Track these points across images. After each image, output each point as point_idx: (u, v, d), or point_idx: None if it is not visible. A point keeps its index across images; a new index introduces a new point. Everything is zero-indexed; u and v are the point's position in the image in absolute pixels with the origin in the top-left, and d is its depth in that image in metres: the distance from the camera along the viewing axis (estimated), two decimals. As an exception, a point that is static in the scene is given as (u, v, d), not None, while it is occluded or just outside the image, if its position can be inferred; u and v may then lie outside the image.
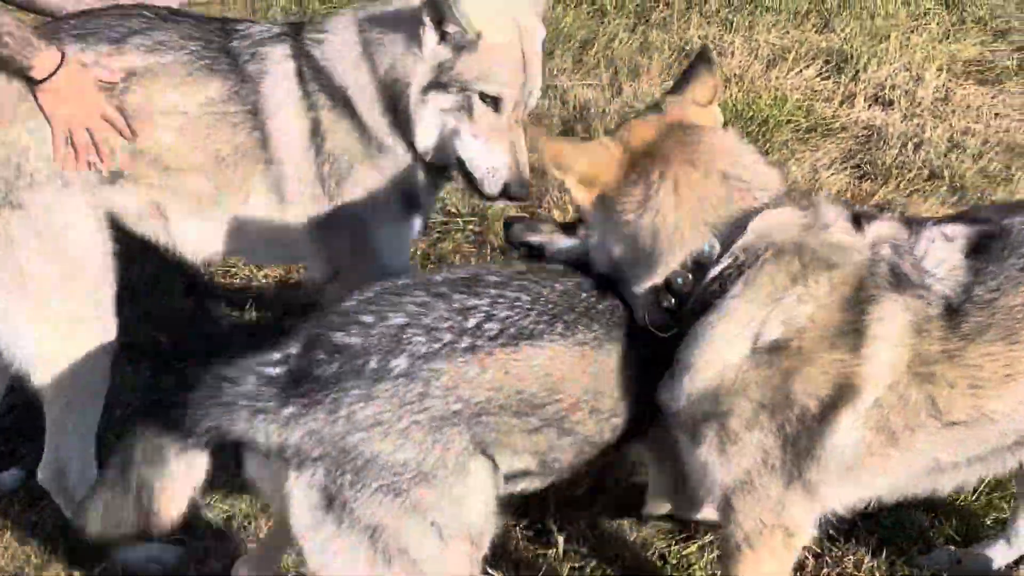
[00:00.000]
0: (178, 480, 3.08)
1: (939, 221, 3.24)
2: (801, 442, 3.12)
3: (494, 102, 3.99)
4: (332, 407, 3.01)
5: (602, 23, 7.93)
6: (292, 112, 4.07)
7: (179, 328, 5.17)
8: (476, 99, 3.98)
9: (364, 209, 4.09)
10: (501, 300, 3.19)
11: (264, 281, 5.47)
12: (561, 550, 4.05)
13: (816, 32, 7.89)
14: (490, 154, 4.04)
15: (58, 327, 3.86)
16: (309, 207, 4.11)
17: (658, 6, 8.17)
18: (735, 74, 7.17)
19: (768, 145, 6.44)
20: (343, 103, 4.06)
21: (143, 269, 5.23)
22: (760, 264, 3.07)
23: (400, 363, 3.05)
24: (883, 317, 3.06)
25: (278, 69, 4.07)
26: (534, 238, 3.73)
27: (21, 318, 3.83)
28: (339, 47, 4.10)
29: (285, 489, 3.04)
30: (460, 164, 4.10)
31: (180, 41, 4.04)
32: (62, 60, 3.81)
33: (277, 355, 3.10)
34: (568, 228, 3.72)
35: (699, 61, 3.44)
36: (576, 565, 4.01)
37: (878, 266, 3.11)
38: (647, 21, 7.99)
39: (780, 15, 8.07)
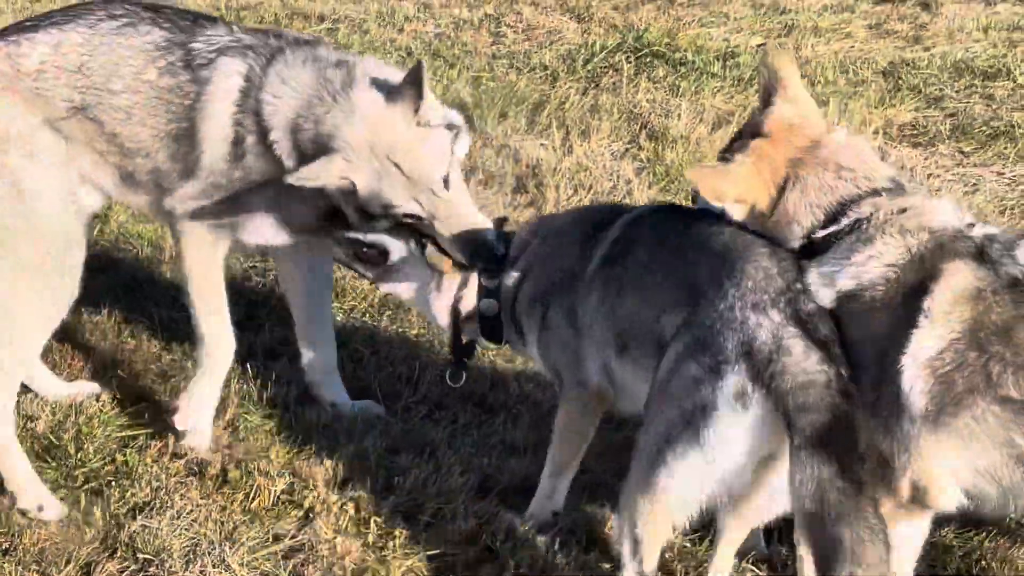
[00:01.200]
0: None
1: None
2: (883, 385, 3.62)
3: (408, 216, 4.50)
4: None
5: (554, 87, 8.23)
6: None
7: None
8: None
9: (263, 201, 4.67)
10: None
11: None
12: None
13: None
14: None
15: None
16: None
17: (608, 72, 8.47)
18: (682, 135, 7.46)
19: (712, 202, 6.70)
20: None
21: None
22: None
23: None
24: (951, 275, 3.57)
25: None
26: None
27: None
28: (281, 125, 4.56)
29: None
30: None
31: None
32: None
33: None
34: None
35: (765, 68, 4.10)
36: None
37: (963, 242, 3.65)
38: (597, 85, 8.29)
39: (725, 81, 8.39)
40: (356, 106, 4.45)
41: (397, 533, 4.39)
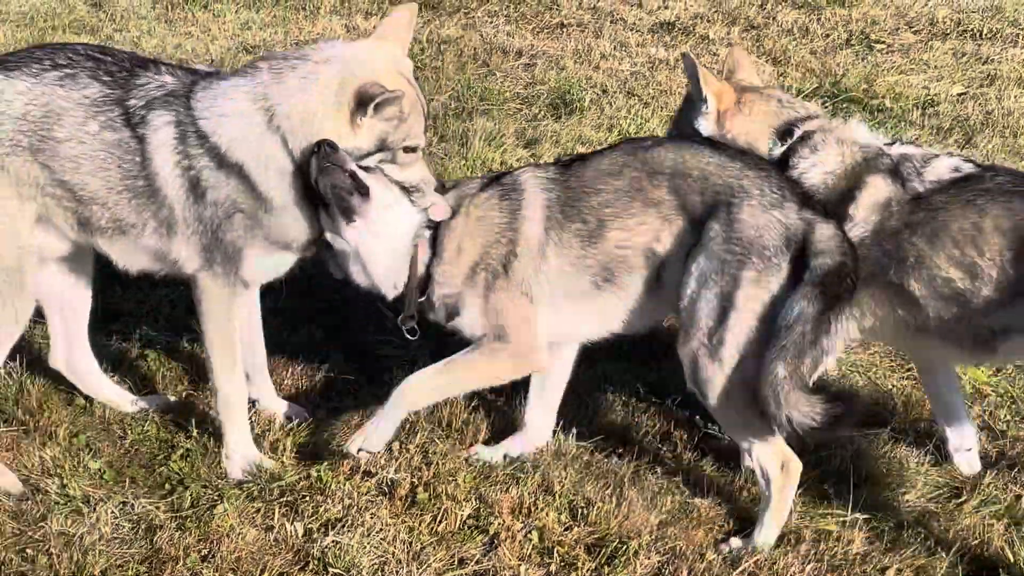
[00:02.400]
0: None
1: (978, 164, 4.83)
2: None
3: (413, 149, 4.74)
4: None
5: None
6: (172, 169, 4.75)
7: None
8: (400, 152, 4.72)
9: (242, 240, 4.80)
10: None
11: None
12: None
13: (958, 147, 8.07)
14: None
15: None
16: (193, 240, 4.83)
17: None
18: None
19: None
20: (235, 170, 4.69)
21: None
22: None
23: None
24: (872, 187, 4.67)
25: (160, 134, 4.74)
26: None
27: None
28: (238, 128, 4.70)
29: None
30: None
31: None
32: None
33: None
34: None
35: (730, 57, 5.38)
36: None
37: (883, 159, 4.73)
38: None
39: (923, 129, 8.28)
40: (351, 48, 4.81)
41: (580, 564, 4.45)
